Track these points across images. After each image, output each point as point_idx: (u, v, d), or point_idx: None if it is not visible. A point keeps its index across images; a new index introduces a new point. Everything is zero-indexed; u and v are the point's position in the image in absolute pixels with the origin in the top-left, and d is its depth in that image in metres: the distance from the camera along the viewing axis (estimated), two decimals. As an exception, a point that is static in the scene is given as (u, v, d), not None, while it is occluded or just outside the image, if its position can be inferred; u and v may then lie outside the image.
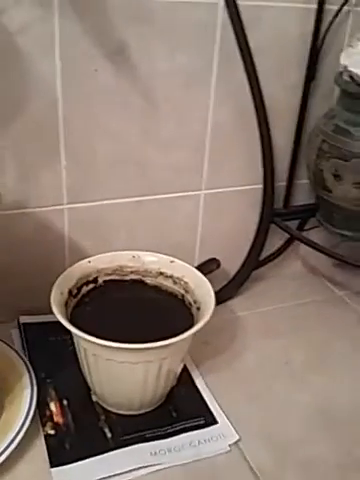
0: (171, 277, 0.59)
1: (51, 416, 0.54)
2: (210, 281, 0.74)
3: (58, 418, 0.54)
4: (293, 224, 0.77)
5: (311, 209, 0.74)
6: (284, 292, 0.78)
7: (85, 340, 0.49)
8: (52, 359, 0.60)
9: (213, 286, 0.74)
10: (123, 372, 0.50)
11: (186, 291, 0.58)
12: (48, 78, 0.55)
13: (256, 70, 0.61)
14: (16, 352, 0.58)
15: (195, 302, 0.56)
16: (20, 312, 0.65)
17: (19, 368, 0.56)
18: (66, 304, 0.53)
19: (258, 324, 0.71)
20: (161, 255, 0.59)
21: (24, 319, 0.65)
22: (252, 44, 0.60)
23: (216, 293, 0.73)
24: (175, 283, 0.59)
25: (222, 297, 0.74)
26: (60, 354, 0.60)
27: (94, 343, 0.48)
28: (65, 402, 0.56)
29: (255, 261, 0.74)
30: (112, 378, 0.51)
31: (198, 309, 0.55)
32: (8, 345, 0.58)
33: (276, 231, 0.75)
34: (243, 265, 0.74)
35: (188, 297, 0.57)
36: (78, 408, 0.55)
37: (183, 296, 0.58)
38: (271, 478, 0.51)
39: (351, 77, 0.60)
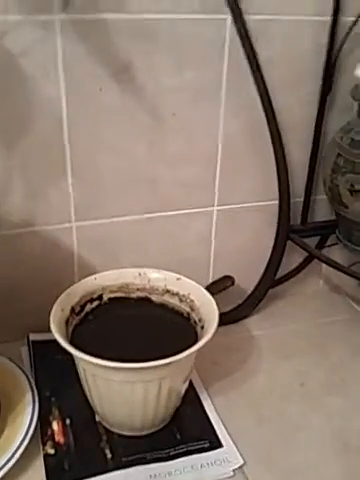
0: (177, 295, 0.58)
1: (52, 435, 0.53)
2: (225, 299, 0.73)
3: (59, 437, 0.53)
4: (314, 241, 0.75)
5: (330, 226, 0.71)
6: (304, 311, 0.76)
7: (82, 359, 0.48)
8: (58, 377, 0.59)
9: (228, 304, 0.73)
10: (122, 391, 0.49)
11: (192, 309, 0.56)
12: (53, 99, 0.55)
13: (266, 85, 0.60)
14: (21, 369, 0.57)
15: (200, 321, 0.55)
16: (30, 330, 0.65)
17: (23, 386, 0.56)
18: (67, 322, 0.53)
19: (274, 344, 0.69)
20: (167, 272, 0.58)
21: (34, 337, 0.65)
22: (263, 57, 0.59)
23: (231, 312, 0.73)
24: (181, 301, 0.57)
25: (237, 316, 0.72)
26: (66, 372, 0.58)
27: (91, 362, 0.47)
28: (68, 421, 0.55)
29: (271, 279, 0.72)
30: (111, 397, 0.50)
31: (202, 328, 0.53)
32: (14, 362, 0.58)
33: (296, 249, 0.73)
34: (259, 283, 0.72)
35: (193, 315, 0.56)
36: (80, 428, 0.54)
37: (189, 314, 0.57)
38: (275, 507, 0.48)
39: (365, 88, 0.58)
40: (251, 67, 0.59)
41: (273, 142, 0.63)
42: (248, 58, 0.59)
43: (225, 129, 0.63)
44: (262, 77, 0.59)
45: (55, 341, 0.63)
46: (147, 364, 0.46)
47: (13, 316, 0.64)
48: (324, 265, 0.79)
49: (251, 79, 0.60)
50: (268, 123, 0.62)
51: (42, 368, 0.61)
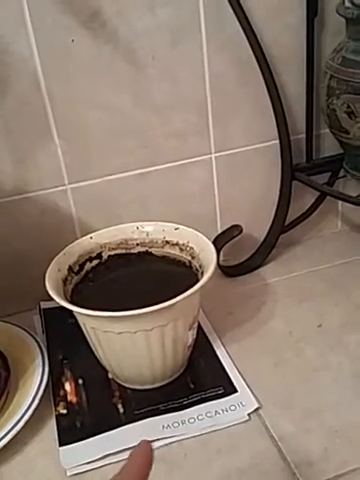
0: (177, 245, 0.56)
1: (65, 396, 0.53)
2: (239, 251, 0.71)
3: (72, 397, 0.53)
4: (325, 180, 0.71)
5: (338, 159, 0.67)
6: (322, 253, 0.73)
7: (78, 313, 0.48)
8: (70, 341, 0.58)
9: (243, 255, 0.71)
10: (124, 343, 0.48)
11: (192, 257, 0.54)
12: (26, 57, 0.54)
13: (247, 16, 0.57)
14: (31, 335, 0.58)
15: (201, 267, 0.53)
16: (42, 298, 0.65)
17: (33, 351, 0.56)
18: (65, 280, 0.52)
19: (290, 289, 0.66)
20: (165, 223, 0.57)
21: (45, 304, 0.65)
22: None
23: (244, 262, 0.71)
24: (182, 250, 0.56)
25: (251, 266, 0.70)
26: (78, 336, 0.58)
27: (85, 315, 0.46)
28: (80, 381, 0.55)
29: (281, 225, 0.69)
30: (115, 351, 0.50)
31: (202, 274, 0.52)
32: (24, 329, 0.58)
33: (307, 191, 0.70)
34: (269, 230, 0.70)
35: (194, 263, 0.54)
36: (93, 386, 0.54)
37: (190, 263, 0.55)
38: (293, 446, 0.46)
39: (352, 2, 0.54)
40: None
41: (264, 77, 0.60)
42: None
43: (211, 69, 0.60)
44: (241, 7, 0.56)
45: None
46: (140, 311, 0.45)
47: (23, 286, 0.64)
48: (340, 205, 0.76)
49: (231, 11, 0.57)
50: (256, 57, 0.59)
51: (54, 333, 0.61)
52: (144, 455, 0.33)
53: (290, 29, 0.61)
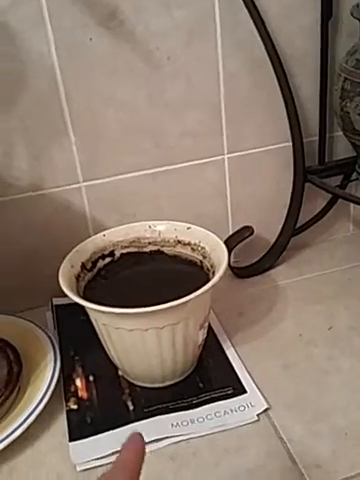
0: (189, 244, 0.56)
1: (76, 392, 0.53)
2: (250, 252, 0.71)
3: (82, 393, 0.53)
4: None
5: (351, 162, 0.67)
6: (333, 256, 0.72)
7: (90, 309, 0.48)
8: (82, 338, 0.59)
9: (254, 257, 0.71)
10: (135, 341, 0.48)
11: (204, 257, 0.55)
12: (44, 54, 0.54)
13: (261, 16, 0.57)
14: (43, 331, 0.58)
15: (212, 266, 0.53)
16: (54, 295, 0.65)
17: (45, 346, 0.56)
18: (78, 277, 0.53)
19: (301, 292, 0.66)
20: (177, 222, 0.57)
21: (57, 301, 0.65)
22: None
23: (255, 264, 0.71)
24: (193, 250, 0.56)
25: (261, 267, 0.70)
26: (90, 333, 0.59)
27: (98, 311, 0.47)
28: (91, 378, 0.55)
29: (293, 227, 0.69)
30: (126, 348, 0.50)
31: (214, 273, 0.52)
32: (36, 325, 0.59)
33: (320, 193, 0.70)
34: (281, 232, 0.70)
35: (206, 262, 0.54)
36: (103, 383, 0.54)
37: (201, 262, 0.55)
38: (302, 447, 0.46)
39: (368, 5, 0.54)
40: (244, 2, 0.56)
41: (278, 78, 0.60)
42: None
43: (225, 69, 0.60)
44: (256, 8, 0.56)
45: (78, 304, 0.63)
46: (152, 308, 0.45)
47: (35, 282, 0.65)
48: (352, 208, 0.76)
49: (246, 12, 0.57)
50: (270, 58, 0.59)
51: (66, 330, 0.61)
52: (135, 449, 0.31)
53: (304, 31, 0.62)
